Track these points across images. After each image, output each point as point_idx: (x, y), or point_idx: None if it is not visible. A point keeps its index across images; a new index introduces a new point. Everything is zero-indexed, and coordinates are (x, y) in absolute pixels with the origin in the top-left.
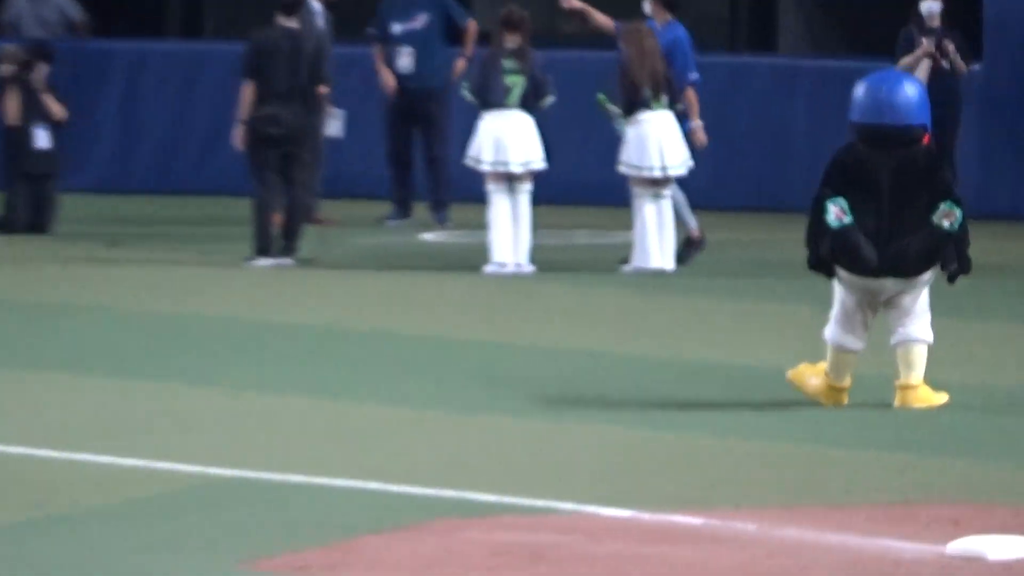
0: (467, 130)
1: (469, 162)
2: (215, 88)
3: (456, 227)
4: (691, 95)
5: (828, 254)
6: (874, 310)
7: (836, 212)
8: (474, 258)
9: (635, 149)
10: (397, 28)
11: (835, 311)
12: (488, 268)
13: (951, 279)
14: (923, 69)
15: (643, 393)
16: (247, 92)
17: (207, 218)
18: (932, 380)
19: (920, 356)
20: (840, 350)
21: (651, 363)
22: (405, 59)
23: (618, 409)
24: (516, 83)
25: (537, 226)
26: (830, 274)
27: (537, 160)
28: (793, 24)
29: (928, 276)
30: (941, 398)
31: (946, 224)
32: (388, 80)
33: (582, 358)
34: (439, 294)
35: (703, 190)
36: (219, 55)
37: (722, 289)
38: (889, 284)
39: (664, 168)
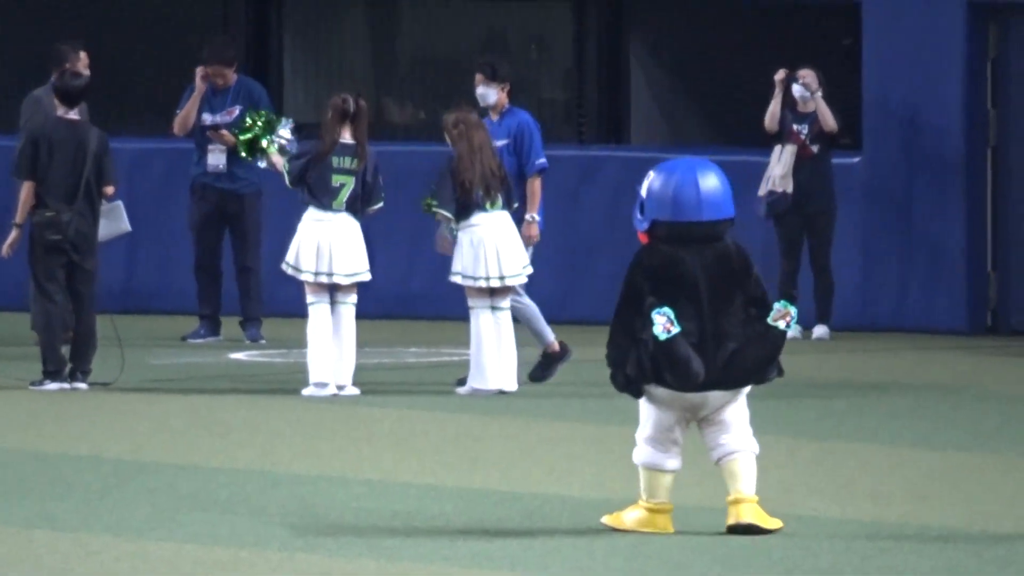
0: (282, 236)
1: (287, 270)
2: None
3: (270, 345)
4: (536, 185)
5: (643, 371)
6: (687, 426)
7: (663, 323)
8: (291, 380)
9: (469, 256)
10: (208, 120)
11: (646, 431)
12: (306, 391)
13: (762, 381)
14: (788, 154)
15: (481, 526)
16: (24, 192)
17: None
18: (810, 512)
19: (749, 467)
20: (657, 471)
21: (490, 496)
22: (216, 156)
23: (453, 545)
24: (346, 184)
25: (362, 343)
26: (639, 395)
27: (364, 271)
28: (647, 114)
29: (749, 386)
30: (775, 523)
31: (782, 325)
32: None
33: (412, 490)
34: (251, 420)
35: (548, 299)
36: None
37: (569, 411)
38: (713, 398)
39: (502, 277)
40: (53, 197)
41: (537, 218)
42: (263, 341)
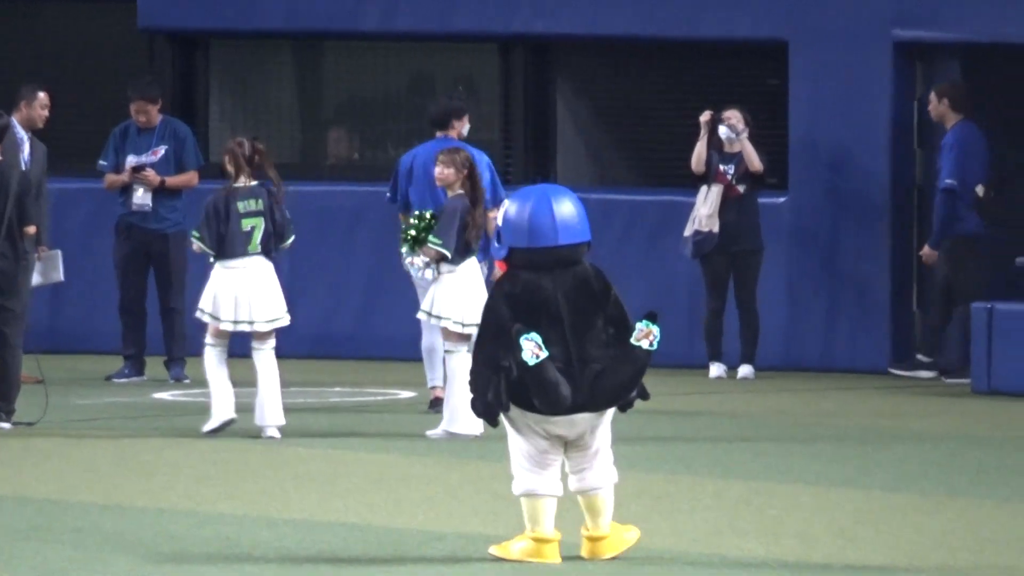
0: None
1: (203, 317)
2: None
3: (195, 384)
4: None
5: (500, 399)
6: (561, 449)
7: (532, 348)
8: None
9: (458, 301)
10: (133, 160)
11: (516, 459)
12: (207, 426)
13: (625, 408)
14: (714, 195)
15: (404, 564)
16: None
17: None
18: (735, 552)
19: (608, 502)
20: (534, 496)
21: (414, 535)
22: (141, 196)
23: None
24: (256, 226)
25: (287, 383)
26: (495, 422)
27: (282, 315)
28: (574, 154)
29: (612, 409)
30: (632, 535)
31: (646, 344)
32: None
33: (338, 529)
34: (175, 460)
35: None
36: None
37: (492, 453)
38: (581, 420)
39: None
40: None
41: None
42: (187, 380)
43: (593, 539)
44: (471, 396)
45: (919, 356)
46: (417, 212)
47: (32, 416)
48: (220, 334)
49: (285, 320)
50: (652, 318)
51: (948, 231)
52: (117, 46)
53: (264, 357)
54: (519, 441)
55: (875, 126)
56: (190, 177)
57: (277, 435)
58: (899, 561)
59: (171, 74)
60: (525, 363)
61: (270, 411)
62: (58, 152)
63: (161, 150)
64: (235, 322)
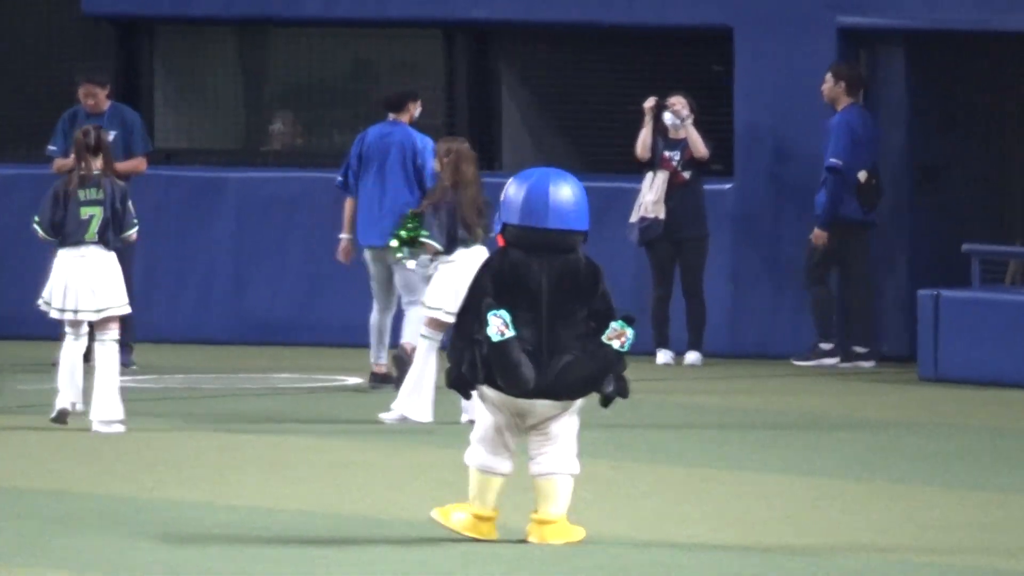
0: (152, 261)
1: (41, 306)
2: None
3: (141, 371)
4: None
5: (476, 371)
6: (520, 433)
7: (498, 326)
8: (161, 405)
9: (446, 291)
10: None
11: (478, 431)
12: (52, 415)
13: (606, 403)
14: (660, 181)
15: (349, 548)
16: None
17: None
18: (682, 539)
19: (564, 489)
20: (486, 472)
21: (361, 521)
22: None
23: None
24: (95, 215)
25: (236, 369)
26: (468, 394)
27: (115, 305)
28: (518, 141)
29: (581, 401)
30: (579, 533)
31: (616, 344)
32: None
33: (281, 516)
34: (120, 447)
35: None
36: None
37: (438, 439)
38: (541, 407)
39: None
40: None
41: None
42: (134, 367)
43: (541, 522)
44: (447, 366)
45: (820, 344)
46: (404, 213)
47: None
48: (70, 324)
49: (119, 310)
50: (628, 320)
51: (835, 213)
52: (60, 32)
53: (101, 348)
54: (485, 415)
55: (819, 112)
56: (138, 163)
57: (106, 430)
58: (840, 545)
59: (115, 58)
60: (489, 339)
61: (101, 406)
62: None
63: (110, 135)
64: (61, 310)
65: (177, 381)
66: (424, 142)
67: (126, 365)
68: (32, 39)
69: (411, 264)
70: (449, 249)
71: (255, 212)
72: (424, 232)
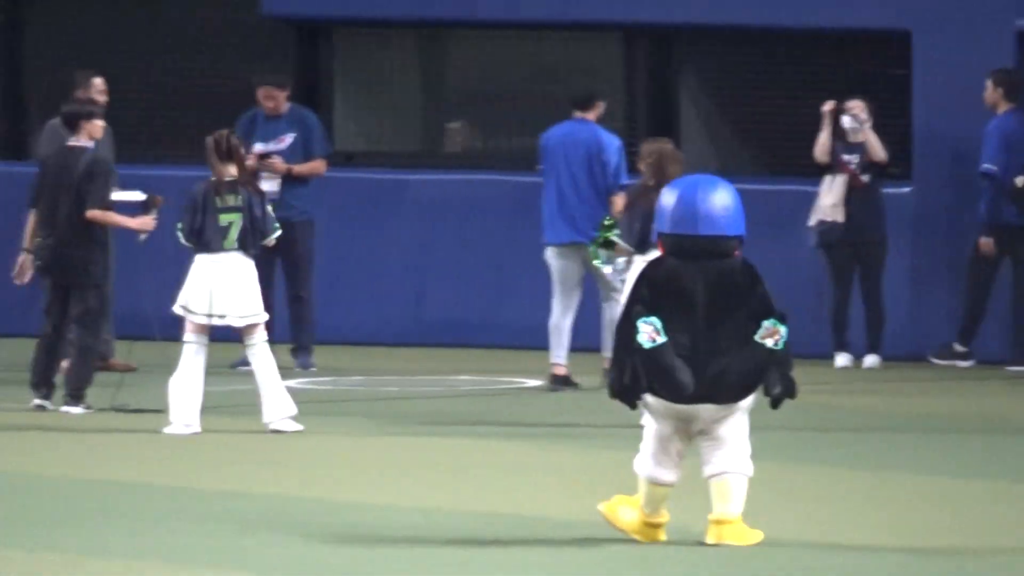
0: (333, 264)
1: (178, 310)
2: None
3: (322, 373)
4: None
5: (636, 380)
6: (688, 439)
7: (649, 332)
8: (343, 407)
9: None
10: (260, 148)
11: (646, 442)
12: (168, 429)
13: (775, 404)
14: (839, 184)
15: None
16: (29, 220)
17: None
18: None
19: (738, 489)
20: (653, 483)
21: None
22: (268, 184)
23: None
24: (233, 222)
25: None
26: (633, 404)
27: (257, 313)
28: (697, 144)
29: (748, 403)
30: (756, 536)
31: (770, 343)
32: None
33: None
34: (302, 451)
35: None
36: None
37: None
38: (704, 411)
39: None
40: (41, 224)
41: None
42: (314, 369)
43: (718, 522)
44: (611, 376)
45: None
46: (602, 219)
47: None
48: (197, 329)
49: (260, 318)
50: (781, 318)
51: (995, 219)
52: (240, 33)
53: (256, 352)
54: (651, 424)
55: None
56: (317, 165)
57: (286, 428)
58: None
59: (294, 62)
60: (640, 346)
61: (271, 406)
62: (180, 141)
63: (288, 138)
64: (209, 315)
65: (356, 383)
66: (610, 140)
67: (305, 367)
68: (211, 41)
69: (607, 269)
70: (641, 250)
71: (434, 214)
72: (616, 231)
